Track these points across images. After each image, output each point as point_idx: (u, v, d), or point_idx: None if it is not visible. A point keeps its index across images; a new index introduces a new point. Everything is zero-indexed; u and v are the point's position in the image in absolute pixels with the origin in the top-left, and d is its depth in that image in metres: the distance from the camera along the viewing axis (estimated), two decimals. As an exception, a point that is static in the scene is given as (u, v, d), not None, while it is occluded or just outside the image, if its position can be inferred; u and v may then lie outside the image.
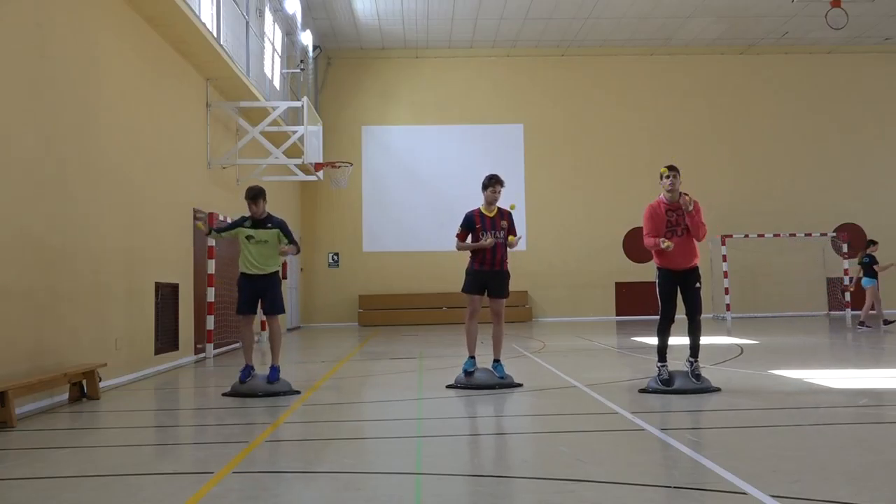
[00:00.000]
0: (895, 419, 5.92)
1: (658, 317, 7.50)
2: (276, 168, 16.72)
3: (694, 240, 7.33)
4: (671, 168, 7.37)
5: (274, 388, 7.69)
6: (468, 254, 8.17)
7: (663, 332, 7.44)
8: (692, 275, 7.37)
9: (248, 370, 7.83)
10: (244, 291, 7.93)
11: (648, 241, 7.34)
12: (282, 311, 8.12)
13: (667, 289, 7.37)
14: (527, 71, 24.10)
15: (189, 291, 12.08)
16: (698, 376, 7.26)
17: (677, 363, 7.64)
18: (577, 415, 6.48)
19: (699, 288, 7.37)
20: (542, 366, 10.23)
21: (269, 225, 7.96)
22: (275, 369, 7.84)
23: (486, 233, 7.93)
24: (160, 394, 8.79)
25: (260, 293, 7.93)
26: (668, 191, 7.35)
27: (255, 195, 7.92)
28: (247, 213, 8.10)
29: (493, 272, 7.99)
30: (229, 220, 13.64)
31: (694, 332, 7.34)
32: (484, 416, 6.75)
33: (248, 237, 7.87)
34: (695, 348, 7.35)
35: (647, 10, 21.11)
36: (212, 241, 12.67)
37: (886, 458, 4.60)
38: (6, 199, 6.88)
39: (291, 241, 8.01)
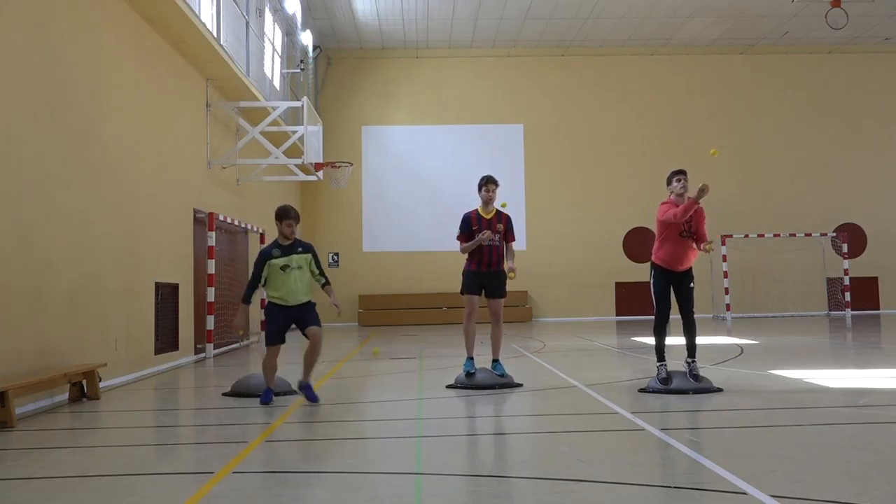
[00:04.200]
0: (895, 419, 5.91)
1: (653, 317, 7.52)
2: (276, 168, 16.72)
3: (693, 245, 7.36)
4: (683, 172, 7.36)
5: (274, 388, 7.64)
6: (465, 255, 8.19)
7: (659, 332, 7.50)
8: (686, 275, 7.43)
9: (269, 394, 7.20)
10: (276, 320, 7.02)
11: (679, 209, 7.11)
12: (321, 323, 7.08)
13: (661, 287, 7.41)
14: (527, 71, 24.10)
15: (189, 291, 12.08)
16: (697, 376, 7.28)
17: (677, 363, 7.64)
18: (577, 415, 6.48)
19: (692, 288, 7.44)
20: (542, 366, 10.22)
21: (300, 249, 7.05)
22: (309, 387, 7.04)
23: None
24: (160, 394, 8.79)
25: (296, 320, 7.01)
26: (679, 194, 7.33)
27: (291, 214, 7.01)
28: (267, 245, 7.24)
29: (491, 273, 8.00)
30: (231, 220, 13.69)
31: (689, 331, 7.38)
32: (484, 416, 6.75)
33: (284, 267, 6.90)
34: (691, 348, 7.37)
35: (647, 10, 21.11)
36: (213, 238, 12.68)
37: (886, 458, 4.60)
38: (7, 199, 6.88)
39: (322, 270, 7.19)
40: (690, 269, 7.46)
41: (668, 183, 7.44)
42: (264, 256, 7.01)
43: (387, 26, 21.94)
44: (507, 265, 8.01)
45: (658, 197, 7.60)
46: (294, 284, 6.92)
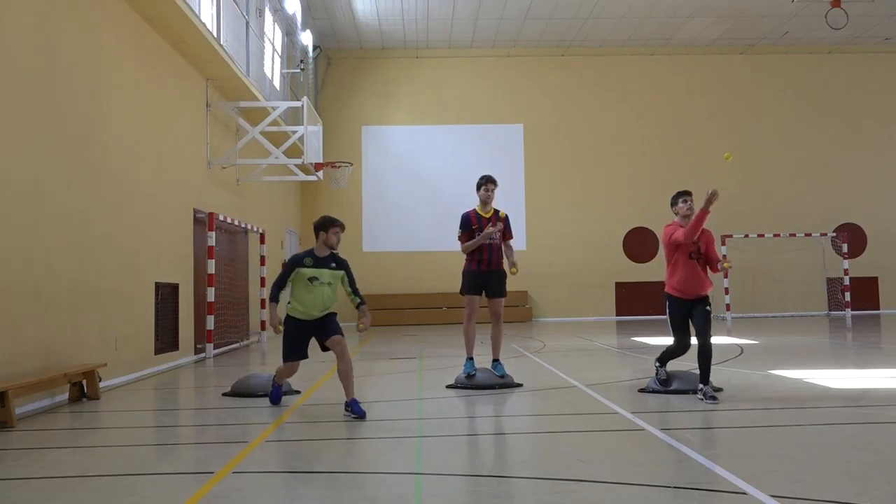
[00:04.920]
0: (895, 419, 5.91)
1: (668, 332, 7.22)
2: (276, 168, 16.73)
3: (704, 268, 7.08)
4: (688, 193, 7.13)
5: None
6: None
7: (676, 349, 7.12)
8: (702, 301, 7.02)
9: (278, 392, 7.11)
10: (295, 335, 6.69)
11: (688, 228, 6.84)
12: (342, 332, 6.73)
13: (678, 317, 7.04)
14: (527, 71, 24.09)
15: (189, 291, 12.08)
16: (714, 398, 6.75)
17: (679, 362, 7.63)
18: (577, 415, 6.48)
19: (709, 311, 7.00)
20: (542, 366, 10.22)
21: (334, 265, 6.70)
22: (355, 402, 6.47)
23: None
24: (160, 394, 8.79)
25: (316, 333, 6.68)
26: (685, 216, 7.04)
27: (343, 225, 6.79)
28: (300, 252, 6.96)
29: (490, 272, 7.98)
30: (231, 220, 13.69)
31: (703, 356, 6.87)
32: (484, 416, 6.75)
33: (312, 279, 6.55)
34: (705, 374, 6.89)
35: (647, 10, 21.11)
36: (213, 238, 12.68)
37: (886, 458, 4.61)
38: (7, 199, 6.88)
39: (355, 289, 6.82)
40: (707, 296, 7.04)
41: (673, 204, 7.15)
42: (295, 262, 6.66)
43: (387, 26, 21.94)
44: (508, 263, 8.00)
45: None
46: (319, 299, 6.58)
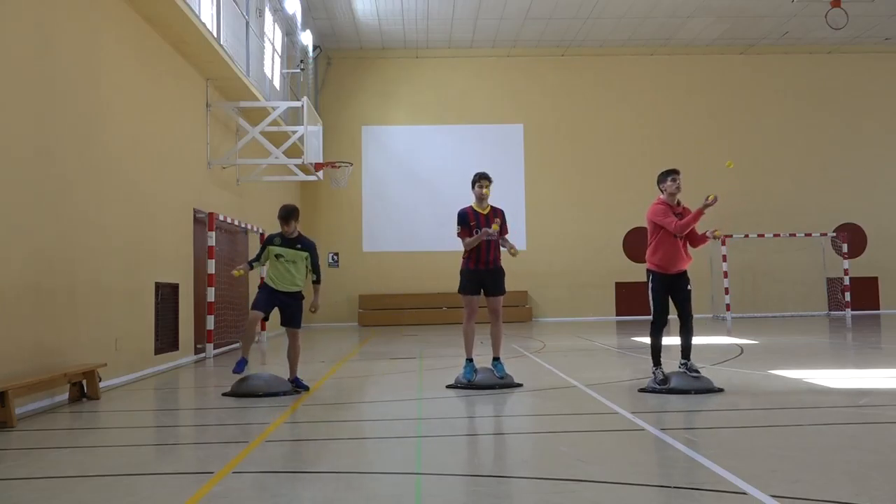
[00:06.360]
0: (895, 419, 5.91)
1: (651, 319, 7.50)
2: (276, 168, 16.72)
3: (688, 244, 7.38)
4: (676, 171, 7.44)
5: (273, 388, 7.69)
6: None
7: (657, 335, 7.44)
8: (683, 278, 7.41)
9: (243, 363, 7.65)
10: (265, 295, 7.79)
11: (681, 223, 7.15)
12: (300, 326, 8.02)
13: (660, 292, 7.38)
14: (527, 71, 24.10)
15: (189, 291, 12.08)
16: (697, 371, 7.32)
17: (674, 362, 7.64)
18: (577, 415, 6.48)
19: (690, 291, 7.43)
20: (542, 366, 10.22)
21: (300, 246, 7.82)
22: (298, 380, 7.96)
23: (481, 230, 7.91)
24: (160, 394, 8.79)
25: (281, 306, 7.85)
26: (672, 193, 7.37)
27: (287, 215, 7.76)
28: (274, 232, 8.00)
29: (488, 270, 7.95)
30: (231, 220, 13.70)
31: (686, 333, 7.40)
32: (484, 416, 6.75)
33: (277, 255, 7.76)
34: (686, 349, 7.40)
35: (647, 10, 21.12)
36: (213, 238, 12.68)
37: (886, 458, 4.60)
38: (6, 199, 6.88)
39: (315, 268, 7.92)
40: (686, 271, 7.44)
41: (661, 182, 7.44)
42: (267, 241, 7.95)
43: (387, 26, 21.94)
44: (507, 248, 7.94)
45: (657, 196, 7.58)
46: (284, 274, 7.77)
